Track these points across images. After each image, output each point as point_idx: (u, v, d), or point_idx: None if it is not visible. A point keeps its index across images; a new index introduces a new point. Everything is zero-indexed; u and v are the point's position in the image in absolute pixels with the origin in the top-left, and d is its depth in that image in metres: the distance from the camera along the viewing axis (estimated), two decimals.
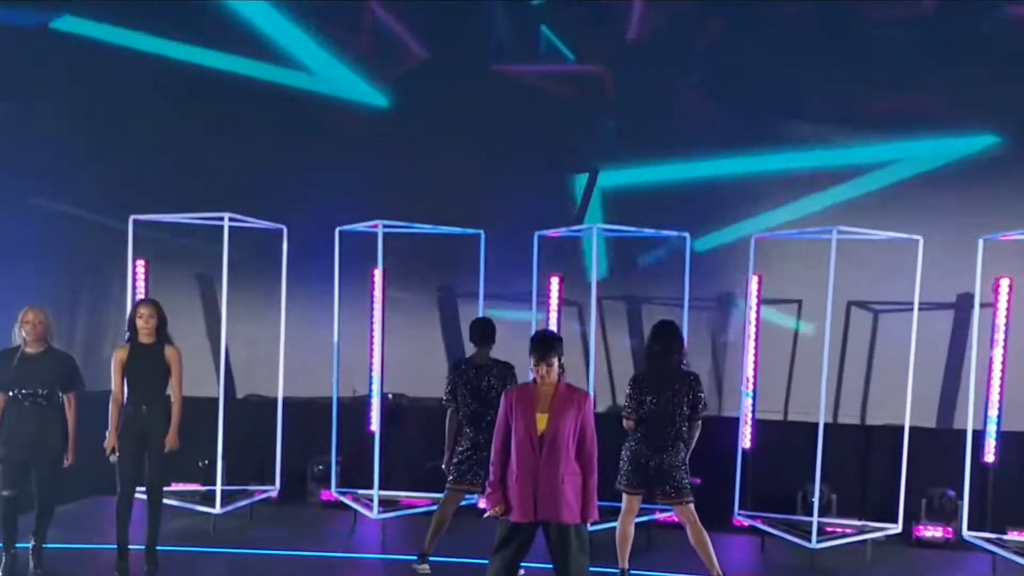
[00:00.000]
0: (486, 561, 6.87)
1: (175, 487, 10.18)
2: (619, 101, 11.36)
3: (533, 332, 7.54)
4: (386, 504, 9.97)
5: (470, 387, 8.55)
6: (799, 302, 10.85)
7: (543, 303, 10.44)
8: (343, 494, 10.29)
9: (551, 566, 6.79)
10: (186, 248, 11.15)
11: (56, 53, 11.81)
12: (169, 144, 11.60)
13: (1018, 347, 9.55)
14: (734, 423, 10.12)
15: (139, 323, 8.32)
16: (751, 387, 10.23)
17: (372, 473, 9.97)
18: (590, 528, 8.96)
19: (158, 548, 8.48)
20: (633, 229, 9.81)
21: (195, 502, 9.99)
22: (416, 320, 11.50)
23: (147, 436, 8.27)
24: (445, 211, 10.61)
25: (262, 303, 11.03)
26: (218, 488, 9.73)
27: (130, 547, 8.32)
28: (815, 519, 9.07)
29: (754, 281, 10.22)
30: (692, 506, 8.14)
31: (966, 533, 9.33)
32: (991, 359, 9.47)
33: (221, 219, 9.64)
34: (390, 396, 11.26)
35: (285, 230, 10.43)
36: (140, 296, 10.72)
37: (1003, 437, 9.51)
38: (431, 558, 8.53)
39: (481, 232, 10.31)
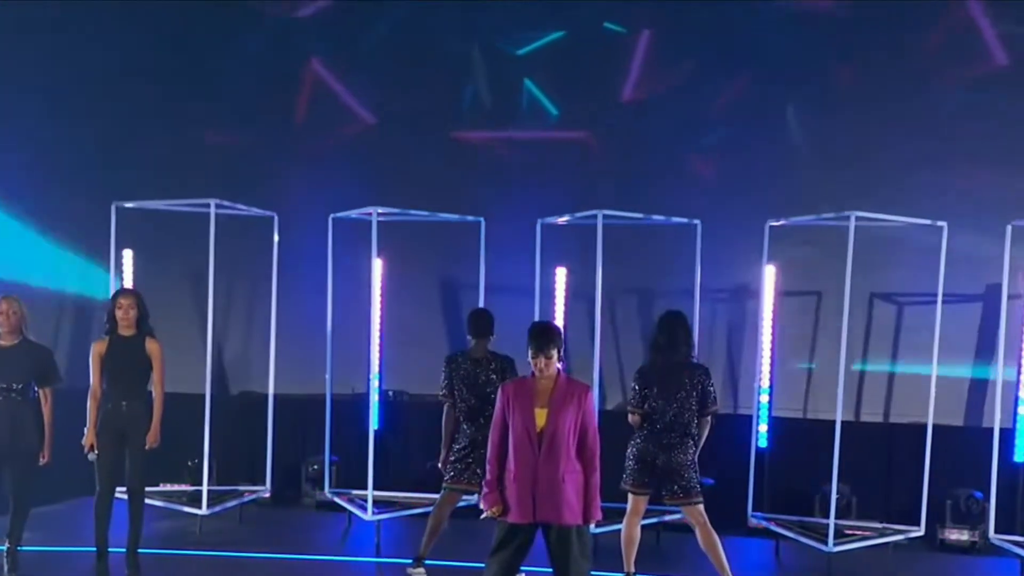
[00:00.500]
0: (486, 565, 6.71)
1: (161, 487, 10.11)
2: None
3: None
4: (385, 506, 9.87)
5: (467, 381, 8.41)
6: (818, 294, 10.67)
7: (548, 295, 10.33)
8: (337, 495, 10.19)
9: (551, 570, 6.62)
10: (175, 237, 10.99)
11: (29, 27, 11.70)
12: (153, 127, 11.54)
13: None
14: (750, 421, 9.99)
15: (118, 314, 8.18)
16: (767, 383, 10.11)
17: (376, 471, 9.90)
18: (594, 530, 8.98)
19: (140, 551, 8.33)
20: (641, 216, 9.64)
21: (181, 503, 9.88)
22: (418, 313, 11.36)
23: (127, 433, 8.14)
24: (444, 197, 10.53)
25: (259, 296, 10.90)
26: (204, 488, 9.61)
27: (110, 550, 8.19)
28: (831, 521, 8.91)
29: (769, 271, 10.10)
30: (702, 507, 7.98)
31: (993, 536, 9.16)
32: (1020, 353, 9.28)
33: (207, 205, 9.49)
34: (390, 393, 11.20)
35: (276, 217, 10.33)
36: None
37: None
38: (427, 562, 8.39)
39: (481, 220, 10.16)
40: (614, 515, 8.27)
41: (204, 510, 9.55)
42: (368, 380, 10.81)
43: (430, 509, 8.58)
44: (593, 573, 6.71)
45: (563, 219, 9.92)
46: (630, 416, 8.09)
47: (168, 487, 10.37)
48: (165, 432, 9.62)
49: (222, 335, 11.60)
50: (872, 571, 9.12)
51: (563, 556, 6.52)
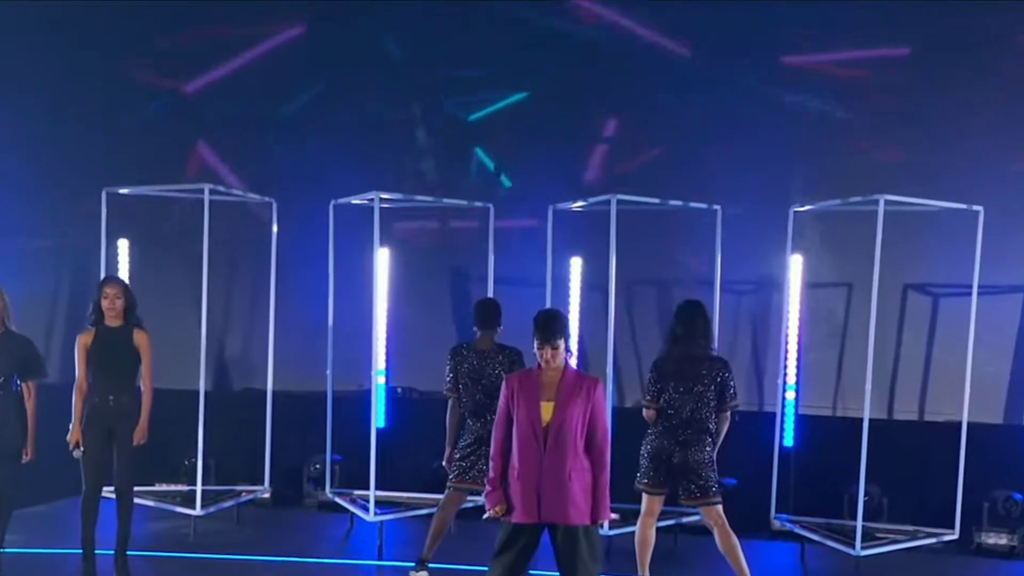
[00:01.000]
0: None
1: (157, 487, 10.06)
2: None
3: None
4: (389, 506, 9.80)
5: (473, 375, 8.27)
6: (849, 285, 10.48)
7: (561, 286, 10.20)
8: (339, 495, 10.09)
9: (557, 574, 6.47)
10: (172, 226, 10.91)
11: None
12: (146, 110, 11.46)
13: None
14: (776, 419, 9.88)
15: (104, 304, 8.06)
16: (793, 379, 9.98)
17: (380, 471, 9.75)
18: (607, 532, 8.86)
19: (129, 553, 8.22)
20: (657, 201, 9.46)
21: (175, 503, 9.78)
22: (428, 306, 11.24)
23: (115, 429, 8.03)
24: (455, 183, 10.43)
25: (263, 288, 10.79)
26: (199, 488, 9.48)
27: (97, 552, 8.09)
28: (859, 523, 8.75)
29: (795, 261, 9.96)
30: (720, 508, 7.83)
31: None
32: None
33: (201, 191, 9.38)
34: (399, 390, 11.11)
35: (274, 204, 10.22)
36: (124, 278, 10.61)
37: None
38: (430, 565, 8.26)
39: (490, 206, 10.02)
40: (629, 516, 8.13)
41: (198, 511, 9.43)
42: (387, 376, 10.81)
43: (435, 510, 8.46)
44: None
45: (577, 205, 9.75)
46: (645, 411, 7.95)
47: (164, 487, 10.25)
48: (161, 430, 9.56)
49: (223, 329, 11.54)
50: None
51: (570, 558, 6.36)
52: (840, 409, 10.51)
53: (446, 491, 8.35)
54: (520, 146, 11.09)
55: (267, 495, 10.46)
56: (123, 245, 10.80)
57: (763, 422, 9.98)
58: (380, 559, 9.16)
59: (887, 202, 8.70)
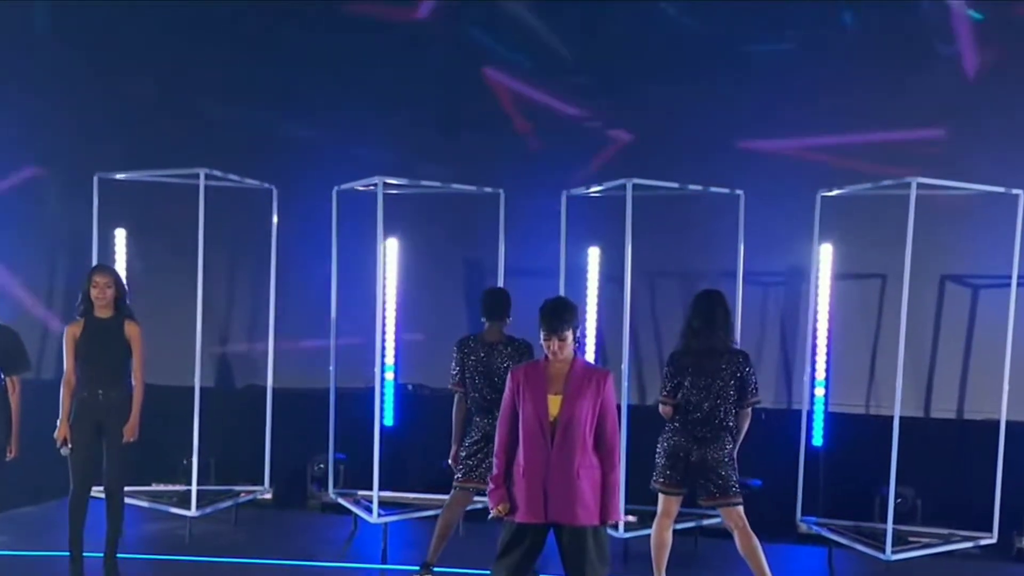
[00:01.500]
0: None
1: (154, 487, 10.02)
2: None
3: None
4: (395, 508, 9.73)
5: (480, 368, 8.15)
6: (882, 277, 10.30)
7: (576, 276, 10.09)
8: (342, 496, 10.02)
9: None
10: (172, 217, 10.81)
11: None
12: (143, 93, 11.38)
13: None
14: (807, 416, 9.78)
15: (94, 293, 7.97)
16: (823, 375, 9.86)
17: (386, 472, 9.65)
18: (623, 534, 8.73)
19: (120, 555, 8.16)
20: (676, 185, 9.29)
21: (171, 503, 9.69)
22: (439, 300, 11.12)
23: (104, 425, 7.94)
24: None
25: (265, 280, 10.71)
26: (193, 488, 9.40)
27: (87, 554, 8.01)
28: (889, 526, 8.63)
29: (825, 251, 9.83)
30: (741, 509, 7.69)
31: None
32: None
33: (196, 176, 9.29)
34: (409, 387, 11.05)
35: (275, 190, 10.14)
36: (121, 270, 10.55)
37: None
38: (436, 569, 8.18)
39: (501, 191, 9.89)
40: (646, 518, 8.07)
41: (193, 511, 9.35)
42: (381, 372, 10.67)
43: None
44: None
45: (595, 190, 9.56)
46: (661, 407, 7.83)
47: (162, 487, 10.19)
48: (160, 428, 9.56)
49: (225, 323, 11.46)
50: None
51: (578, 561, 6.26)
52: (873, 407, 10.32)
53: (452, 491, 8.25)
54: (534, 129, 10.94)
55: (268, 496, 10.38)
56: (120, 235, 10.73)
57: (791, 420, 9.83)
58: (384, 563, 9.07)
59: (919, 186, 8.52)
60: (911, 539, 9.09)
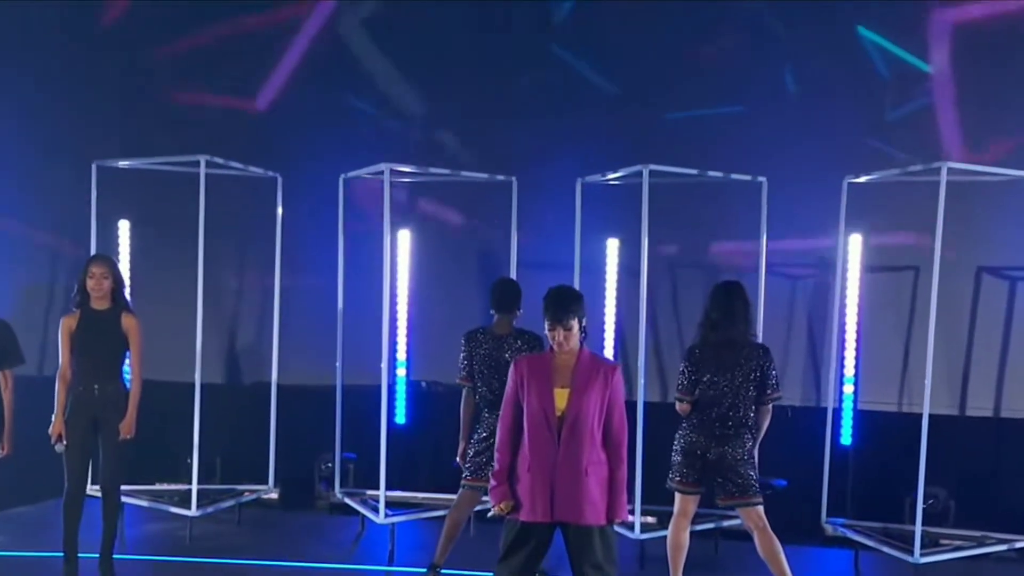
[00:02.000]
0: None
1: (157, 487, 10.01)
2: None
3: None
4: (403, 508, 9.72)
5: (489, 362, 8.11)
6: (916, 269, 10.20)
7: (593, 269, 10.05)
8: (350, 495, 10.00)
9: None
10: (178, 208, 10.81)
11: None
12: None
13: None
14: (835, 414, 9.72)
15: (90, 284, 7.96)
16: (852, 372, 9.82)
17: (398, 472, 9.77)
18: (639, 536, 8.67)
19: (117, 556, 8.15)
20: (695, 172, 9.21)
21: (172, 503, 9.67)
22: (454, 294, 11.07)
23: (100, 421, 7.94)
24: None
25: (269, 272, 10.72)
26: (194, 487, 9.39)
27: (83, 555, 8.00)
28: (918, 527, 8.54)
29: (855, 241, 9.75)
30: (761, 509, 7.62)
31: None
32: None
33: (196, 164, 9.28)
34: (423, 384, 11.03)
35: (279, 179, 10.13)
36: (125, 262, 10.58)
37: None
38: (443, 571, 8.15)
39: (513, 179, 9.83)
40: (665, 519, 7.97)
41: (194, 511, 9.35)
42: (392, 367, 10.68)
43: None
44: None
45: (613, 177, 9.47)
46: (678, 405, 7.77)
47: (165, 487, 10.20)
48: (164, 426, 9.59)
49: (233, 318, 11.45)
50: None
51: (584, 561, 6.20)
52: (906, 405, 10.21)
53: (460, 489, 8.21)
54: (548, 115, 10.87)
55: (275, 496, 10.40)
56: (123, 226, 10.74)
57: (819, 418, 9.75)
58: (391, 564, 9.05)
59: (950, 171, 8.43)
60: (943, 541, 9.00)
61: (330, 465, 10.47)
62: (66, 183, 11.05)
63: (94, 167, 9.80)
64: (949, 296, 9.19)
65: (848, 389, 9.91)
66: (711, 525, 9.10)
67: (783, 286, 10.30)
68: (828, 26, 10.31)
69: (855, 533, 9.13)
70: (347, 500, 9.94)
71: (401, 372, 10.78)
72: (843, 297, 9.79)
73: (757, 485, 7.65)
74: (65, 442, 7.90)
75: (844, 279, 9.81)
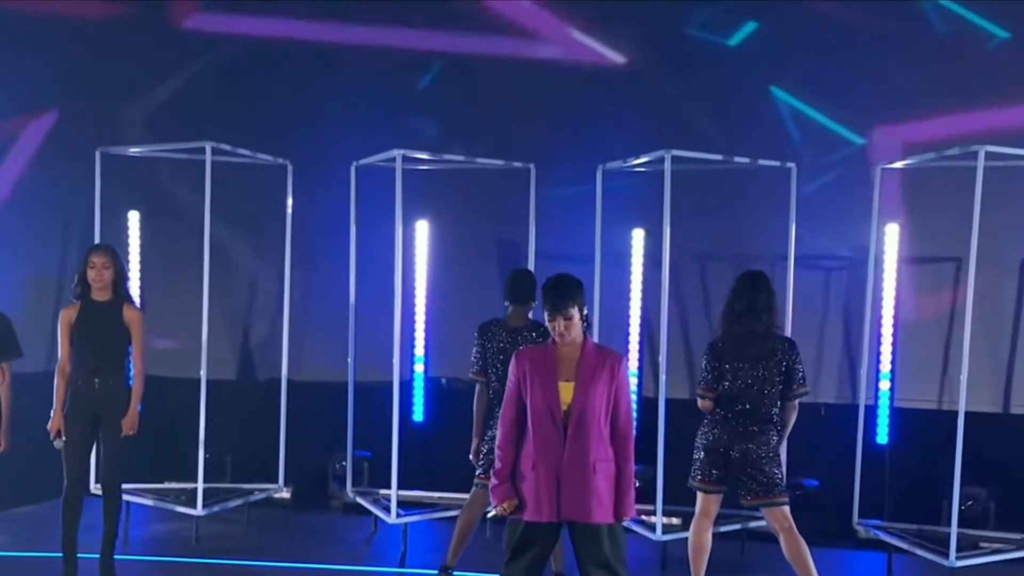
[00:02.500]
0: None
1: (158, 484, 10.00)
2: None
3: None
4: (421, 508, 9.71)
5: (503, 356, 7.99)
6: (957, 261, 10.07)
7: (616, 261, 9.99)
8: (362, 495, 9.98)
9: None
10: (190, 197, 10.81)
11: None
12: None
13: None
14: (871, 412, 9.63)
15: (91, 275, 7.93)
16: (888, 367, 9.73)
17: (416, 471, 9.77)
18: (660, 537, 8.61)
19: (120, 557, 8.13)
20: (720, 157, 9.09)
21: (179, 502, 9.64)
22: (474, 288, 11.01)
23: (101, 416, 7.90)
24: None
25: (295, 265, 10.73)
26: (199, 485, 9.35)
27: (84, 556, 7.97)
28: (953, 529, 8.40)
29: (891, 231, 9.64)
30: (787, 509, 7.49)
31: None
32: None
33: (202, 151, 9.25)
34: (444, 381, 10.99)
35: (290, 166, 10.10)
36: (135, 255, 10.60)
37: None
38: (455, 573, 8.11)
39: (531, 166, 9.75)
40: (689, 519, 7.86)
41: (199, 510, 9.31)
42: (410, 363, 10.72)
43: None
44: None
45: (639, 162, 9.35)
46: (700, 401, 7.67)
47: (173, 485, 10.19)
48: (174, 423, 9.57)
49: (247, 313, 11.44)
50: None
51: (594, 561, 6.10)
52: (946, 402, 10.08)
53: (473, 488, 8.15)
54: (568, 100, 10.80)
55: (287, 495, 10.41)
56: (133, 218, 10.74)
57: (854, 416, 9.62)
58: (402, 566, 9.00)
59: (988, 155, 8.26)
60: (982, 544, 8.92)
61: (344, 464, 10.44)
62: (74, 171, 11.09)
63: (98, 154, 9.77)
64: (992, 289, 9.09)
65: (884, 385, 9.79)
66: (737, 526, 9.01)
67: (817, 279, 10.22)
68: None
69: (888, 535, 9.01)
70: (359, 500, 9.90)
71: (419, 368, 10.75)
72: (879, 289, 9.67)
73: (783, 484, 7.54)
74: (64, 438, 7.87)
75: (880, 270, 9.70)
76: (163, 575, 8.72)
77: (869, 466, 9.48)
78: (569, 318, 6.08)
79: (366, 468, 10.36)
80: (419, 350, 10.76)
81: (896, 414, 9.84)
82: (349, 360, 10.01)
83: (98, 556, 8.05)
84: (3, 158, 11.17)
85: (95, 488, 8.76)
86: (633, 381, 10.40)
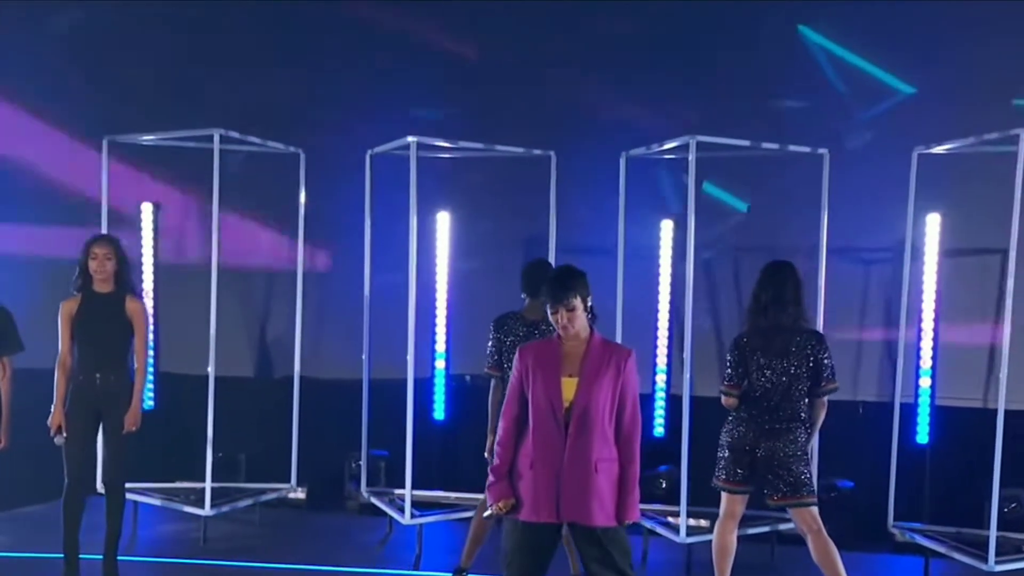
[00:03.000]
0: None
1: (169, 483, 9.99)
2: None
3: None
4: (438, 509, 9.67)
5: None
6: (1003, 252, 9.87)
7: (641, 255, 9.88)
8: (377, 495, 9.92)
9: None
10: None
11: None
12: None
13: None
14: (911, 410, 9.53)
15: (92, 266, 7.88)
16: (929, 364, 9.59)
17: (436, 471, 9.82)
18: (685, 540, 8.50)
19: (123, 558, 8.09)
20: (747, 143, 8.91)
21: (189, 502, 9.56)
22: (494, 281, 10.92)
23: (103, 412, 7.87)
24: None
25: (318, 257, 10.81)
26: (207, 485, 9.30)
27: (86, 556, 7.93)
28: (992, 532, 8.27)
29: (932, 221, 9.51)
30: (815, 510, 7.37)
31: None
32: None
33: (210, 139, 9.19)
34: (468, 378, 10.90)
35: (302, 155, 10.05)
36: (148, 247, 10.58)
37: None
38: (470, 574, 8.06)
39: (551, 153, 9.64)
40: (715, 520, 7.75)
41: (207, 510, 9.26)
42: (431, 360, 10.64)
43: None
44: None
45: (669, 146, 9.16)
46: (724, 398, 7.55)
47: (183, 484, 10.14)
48: (184, 422, 9.52)
49: (265, 307, 11.41)
50: None
51: (598, 561, 6.00)
52: (992, 401, 9.87)
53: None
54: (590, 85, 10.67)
55: (301, 495, 10.38)
56: (146, 209, 10.74)
57: (891, 415, 9.46)
58: (416, 568, 8.93)
59: None
60: None
61: (360, 463, 10.38)
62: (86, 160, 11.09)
63: (105, 142, 9.75)
64: None
65: (925, 383, 9.63)
66: (766, 528, 8.89)
67: (857, 271, 10.12)
68: None
69: (925, 538, 8.86)
70: (373, 500, 9.84)
71: (440, 364, 10.67)
72: (919, 282, 9.54)
73: (811, 484, 7.42)
74: (65, 434, 7.82)
75: (921, 262, 9.57)
76: None
77: (908, 467, 9.34)
78: (572, 309, 5.97)
79: (383, 468, 10.33)
80: (440, 346, 10.66)
81: (937, 413, 9.66)
82: (364, 357, 9.93)
83: (101, 557, 8.01)
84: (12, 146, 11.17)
85: (102, 487, 8.70)
86: (661, 379, 10.32)
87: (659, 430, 10.30)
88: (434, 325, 10.59)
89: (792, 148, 9.08)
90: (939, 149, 9.04)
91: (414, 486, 9.26)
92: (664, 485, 9.78)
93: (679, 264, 10.01)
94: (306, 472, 10.36)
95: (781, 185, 10.04)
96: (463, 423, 10.59)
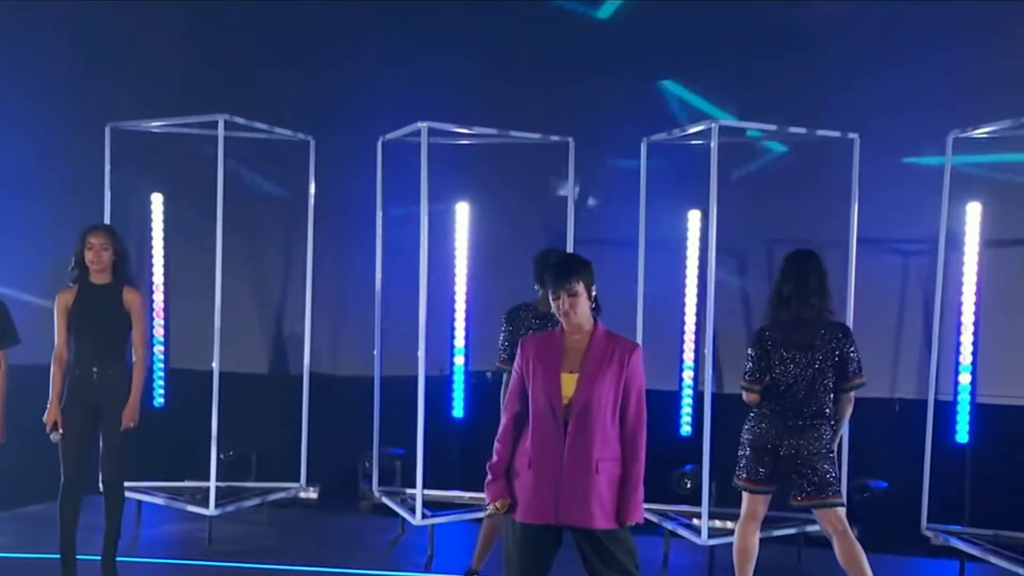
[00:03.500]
0: None
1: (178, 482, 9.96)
2: None
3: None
4: (452, 509, 9.60)
5: None
6: None
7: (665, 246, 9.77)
8: (388, 495, 9.85)
9: None
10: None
11: None
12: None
13: None
14: (950, 408, 9.37)
15: (88, 256, 7.80)
16: (969, 360, 9.39)
17: (454, 469, 9.78)
18: (707, 541, 8.40)
19: (123, 559, 8.02)
20: (773, 127, 8.80)
21: (195, 502, 9.50)
22: (512, 275, 10.83)
23: (100, 408, 7.79)
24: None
25: (331, 250, 10.71)
26: (212, 484, 9.24)
27: (84, 556, 7.87)
28: None
29: (973, 211, 9.32)
30: (841, 511, 7.24)
31: None
32: None
33: (215, 125, 9.13)
34: (488, 375, 10.79)
35: (312, 142, 9.98)
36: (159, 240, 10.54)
37: None
38: None
39: (570, 139, 9.52)
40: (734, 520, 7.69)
41: (212, 510, 9.20)
42: (450, 356, 10.62)
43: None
44: None
45: (692, 130, 9.00)
46: (745, 394, 7.42)
47: (190, 484, 10.10)
48: (193, 420, 9.45)
49: (280, 302, 11.37)
50: None
51: (602, 563, 5.88)
52: None
53: None
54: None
55: (313, 495, 10.34)
56: (157, 200, 10.73)
57: (935, 413, 9.28)
58: (428, 570, 8.84)
59: None
60: None
61: (371, 462, 10.31)
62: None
63: (108, 130, 9.70)
64: None
65: (964, 379, 9.44)
66: (793, 530, 8.75)
67: (897, 264, 10.04)
68: None
69: (961, 541, 8.68)
70: (384, 499, 9.77)
71: (459, 360, 10.59)
72: (958, 274, 9.36)
73: (837, 484, 7.30)
74: (61, 431, 7.76)
75: (960, 252, 9.39)
76: None
77: (946, 467, 9.18)
78: (574, 294, 5.83)
79: (398, 467, 10.24)
80: (459, 342, 10.58)
81: (977, 411, 9.47)
82: (375, 352, 9.86)
83: (99, 558, 7.95)
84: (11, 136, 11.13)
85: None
86: (688, 376, 10.20)
87: (686, 428, 10.17)
88: (453, 320, 10.50)
89: (820, 132, 8.91)
90: (977, 133, 8.84)
91: (431, 486, 9.24)
92: (689, 485, 9.64)
93: (707, 256, 9.92)
94: (320, 471, 10.32)
95: (817, 172, 9.91)
96: (483, 421, 10.47)
